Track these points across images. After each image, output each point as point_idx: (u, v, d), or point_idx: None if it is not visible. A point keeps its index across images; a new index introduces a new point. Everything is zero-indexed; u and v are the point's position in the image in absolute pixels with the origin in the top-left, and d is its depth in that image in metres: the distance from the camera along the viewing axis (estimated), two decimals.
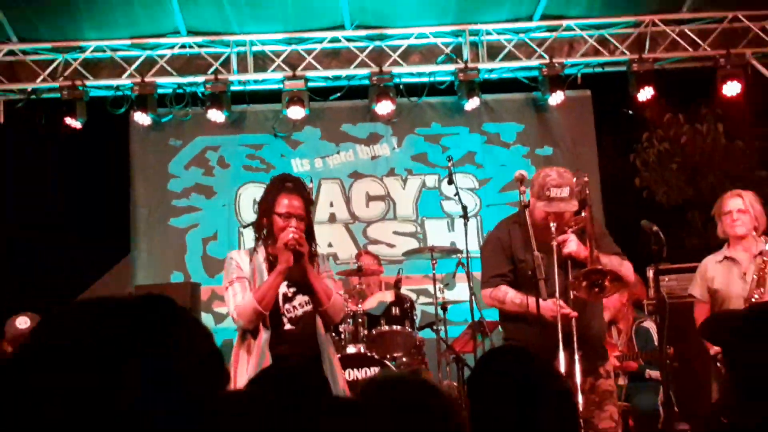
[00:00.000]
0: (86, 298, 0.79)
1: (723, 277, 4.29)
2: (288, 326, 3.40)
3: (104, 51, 6.79)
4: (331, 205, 7.27)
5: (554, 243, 3.67)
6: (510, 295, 3.78)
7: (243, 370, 3.23)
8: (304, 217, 3.35)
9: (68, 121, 6.52)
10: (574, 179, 3.81)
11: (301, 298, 3.43)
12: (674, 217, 8.58)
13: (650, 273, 5.42)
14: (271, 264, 3.38)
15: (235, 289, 3.30)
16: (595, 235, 3.78)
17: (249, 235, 6.43)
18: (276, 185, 3.45)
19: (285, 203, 3.32)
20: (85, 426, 0.68)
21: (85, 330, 0.73)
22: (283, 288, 3.37)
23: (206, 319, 6.57)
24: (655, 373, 5.58)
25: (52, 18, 6.55)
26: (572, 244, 3.70)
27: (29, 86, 6.80)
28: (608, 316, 5.07)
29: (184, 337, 0.79)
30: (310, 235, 3.41)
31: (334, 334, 4.75)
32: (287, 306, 3.42)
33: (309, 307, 3.46)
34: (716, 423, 3.77)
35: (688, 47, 6.90)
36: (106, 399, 0.69)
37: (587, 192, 3.94)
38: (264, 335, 3.28)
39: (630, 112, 8.66)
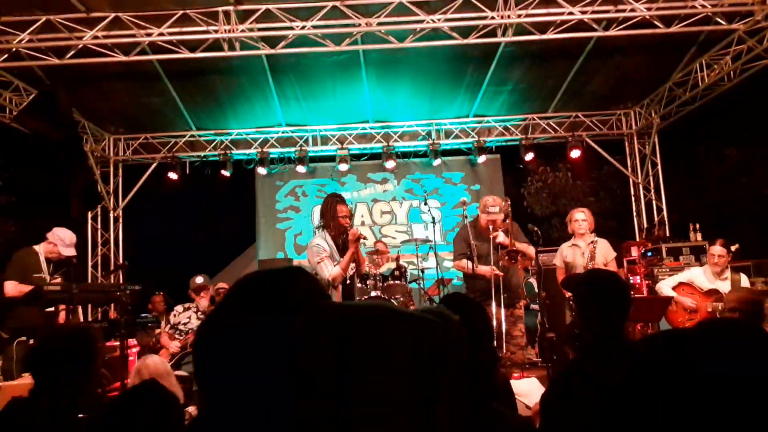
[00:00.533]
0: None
1: (571, 255, 5.75)
2: (347, 281, 4.47)
3: (241, 135, 10.33)
4: (362, 216, 10.64)
5: (492, 236, 4.97)
6: (464, 263, 5.15)
7: None
8: (351, 218, 4.52)
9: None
10: (503, 203, 5.27)
11: (351, 266, 4.50)
12: (544, 223, 12.71)
13: (534, 251, 5.58)
14: (336, 244, 4.41)
15: (326, 263, 4.25)
16: (513, 232, 5.21)
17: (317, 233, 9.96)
18: (334, 198, 4.52)
19: (343, 209, 4.44)
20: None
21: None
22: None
23: None
24: (535, 307, 7.49)
25: (213, 116, 9.66)
26: (501, 236, 5.05)
27: (202, 154, 10.39)
28: None
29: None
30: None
31: (362, 284, 7.12)
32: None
33: (353, 272, 4.56)
34: (569, 334, 5.02)
35: (551, 131, 10.38)
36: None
37: (509, 209, 5.23)
38: (340, 288, 4.38)
39: (521, 166, 12.15)
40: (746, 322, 1.95)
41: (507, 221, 5.17)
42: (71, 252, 5.35)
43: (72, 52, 6.96)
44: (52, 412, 2.10)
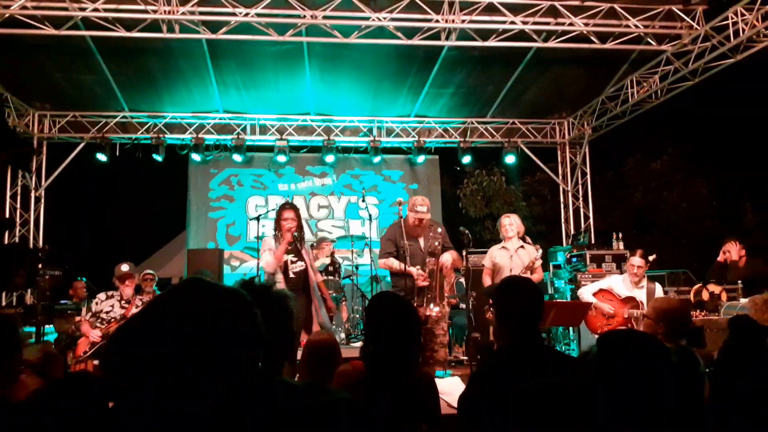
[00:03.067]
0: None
1: (500, 257, 5.91)
2: (291, 275, 5.22)
3: (176, 118, 10.03)
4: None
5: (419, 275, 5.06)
6: (392, 262, 5.26)
7: None
8: (297, 220, 5.27)
9: (154, 156, 9.77)
10: (429, 204, 5.35)
11: (299, 264, 5.29)
12: (477, 224, 13.05)
13: (464, 253, 6.31)
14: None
15: (267, 254, 5.16)
16: (441, 238, 5.26)
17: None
18: (282, 206, 5.44)
19: (286, 215, 5.29)
20: None
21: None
22: (290, 257, 5.25)
23: (225, 269, 9.31)
24: (464, 306, 7.19)
25: (147, 97, 9.38)
26: (446, 258, 5.19)
27: (133, 136, 10.03)
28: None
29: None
30: (300, 230, 5.33)
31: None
32: (291, 266, 5.24)
33: (301, 269, 5.28)
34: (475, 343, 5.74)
35: (488, 136, 10.62)
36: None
37: (445, 237, 5.29)
38: (281, 277, 5.17)
39: (458, 167, 12.47)
40: (645, 334, 2.08)
41: (440, 230, 5.33)
42: None
43: None
44: None
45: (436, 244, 5.19)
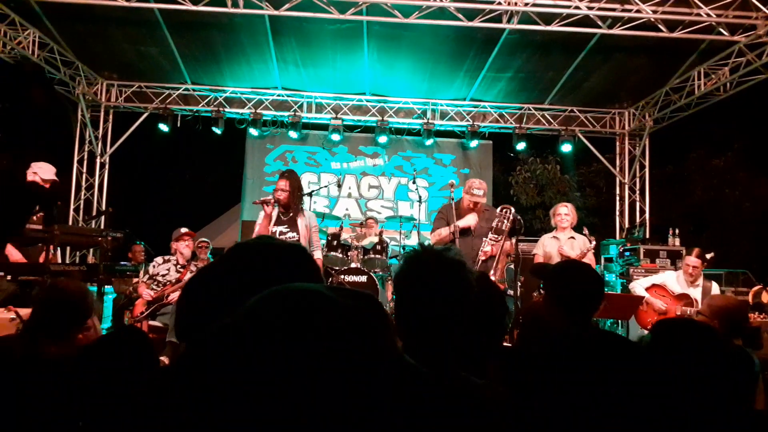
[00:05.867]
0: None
1: (551, 246, 5.92)
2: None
3: (236, 93, 10.26)
4: (350, 188, 10.65)
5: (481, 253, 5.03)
6: (442, 230, 5.22)
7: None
8: (287, 190, 5.01)
9: (213, 129, 10.00)
10: (507, 211, 5.20)
11: (290, 235, 5.06)
12: (528, 213, 12.85)
13: (514, 240, 5.44)
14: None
15: (256, 226, 5.15)
16: (506, 230, 5.08)
17: (305, 200, 9.88)
18: (280, 175, 5.30)
19: (279, 185, 5.13)
20: None
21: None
22: (281, 228, 5.03)
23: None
24: (511, 292, 5.87)
25: (209, 71, 9.62)
26: (488, 248, 5.12)
27: (194, 108, 10.30)
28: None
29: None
30: (294, 200, 5.03)
31: (343, 255, 7.71)
32: (281, 237, 4.89)
33: (293, 240, 4.92)
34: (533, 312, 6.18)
35: (545, 123, 10.49)
36: None
37: (510, 216, 5.12)
38: None
39: (511, 154, 12.38)
40: (703, 324, 2.02)
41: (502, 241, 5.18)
42: (51, 176, 5.21)
43: None
44: (38, 355, 2.17)
45: (503, 221, 5.09)
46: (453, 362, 1.44)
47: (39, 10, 7.62)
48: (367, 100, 10.45)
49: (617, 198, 10.95)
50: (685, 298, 5.59)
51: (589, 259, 5.68)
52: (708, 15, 6.95)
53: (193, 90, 10.27)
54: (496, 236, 5.08)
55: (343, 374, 0.65)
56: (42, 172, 5.16)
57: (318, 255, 5.38)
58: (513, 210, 5.24)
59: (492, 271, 5.06)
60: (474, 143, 10.54)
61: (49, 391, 2.00)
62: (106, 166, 10.51)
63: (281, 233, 5.00)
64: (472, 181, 5.33)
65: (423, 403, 0.95)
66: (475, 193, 5.17)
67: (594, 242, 5.69)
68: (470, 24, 7.13)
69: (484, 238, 5.08)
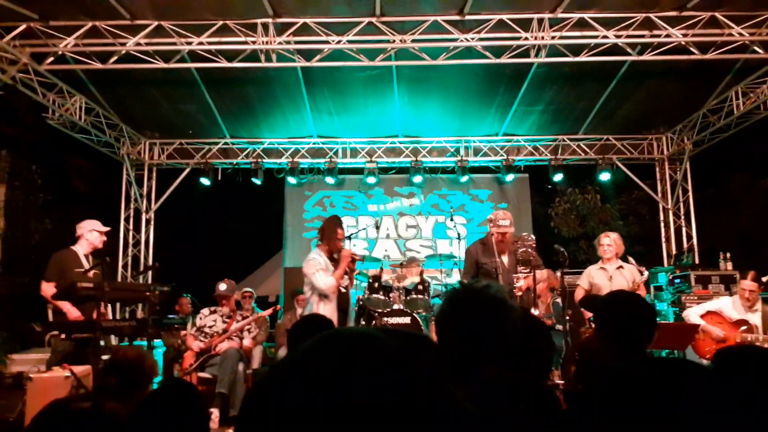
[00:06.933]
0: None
1: (598, 277, 5.87)
2: (342, 290, 5.10)
3: (273, 144, 10.46)
4: (387, 229, 10.66)
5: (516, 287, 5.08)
6: None
7: (323, 310, 4.70)
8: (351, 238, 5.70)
9: (253, 179, 10.24)
10: (511, 218, 5.36)
11: (345, 279, 5.20)
12: (571, 244, 12.59)
13: (558, 273, 6.30)
14: (330, 259, 5.04)
15: (321, 274, 4.84)
16: (533, 260, 5.24)
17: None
18: (335, 221, 5.23)
19: (341, 232, 5.16)
20: None
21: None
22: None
23: None
24: (560, 327, 6.52)
25: (246, 124, 9.86)
26: (521, 283, 5.16)
27: (234, 161, 10.53)
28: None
29: None
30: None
31: (386, 296, 7.65)
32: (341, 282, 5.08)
33: (347, 283, 5.28)
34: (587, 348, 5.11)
35: (581, 153, 10.37)
36: None
37: (533, 245, 5.26)
38: (333, 297, 4.91)
39: (549, 186, 12.25)
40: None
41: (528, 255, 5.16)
42: (103, 230, 5.48)
43: (115, 58, 7.18)
44: (100, 410, 2.25)
45: (526, 249, 5.05)
46: (499, 399, 1.41)
47: (84, 77, 8.02)
48: (400, 142, 10.53)
49: (662, 224, 10.71)
50: (743, 324, 5.37)
51: (641, 290, 5.54)
52: (740, 34, 6.86)
53: (232, 143, 10.55)
54: (523, 268, 5.04)
55: (387, 413, 0.63)
56: (94, 227, 5.38)
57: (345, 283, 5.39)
58: (531, 236, 5.25)
59: (533, 306, 4.98)
60: (510, 177, 10.45)
61: None
62: (152, 222, 10.79)
63: (342, 284, 5.09)
64: (497, 213, 5.37)
65: None
66: (501, 224, 5.16)
67: (647, 273, 5.55)
68: (498, 61, 7.20)
69: (514, 275, 5.04)
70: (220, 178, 10.57)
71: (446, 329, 1.52)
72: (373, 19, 6.89)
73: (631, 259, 5.72)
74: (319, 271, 4.82)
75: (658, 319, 7.45)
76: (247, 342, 6.16)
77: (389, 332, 0.74)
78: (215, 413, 5.17)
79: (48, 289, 5.04)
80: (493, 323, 1.47)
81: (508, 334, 1.47)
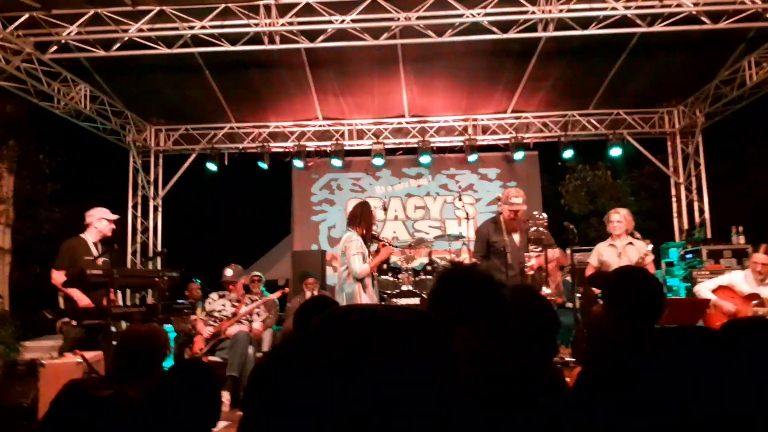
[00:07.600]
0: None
1: (608, 254, 5.69)
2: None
3: (279, 127, 10.47)
4: (395, 211, 10.68)
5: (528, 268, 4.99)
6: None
7: (364, 298, 4.70)
8: None
9: (259, 164, 10.22)
10: (524, 196, 5.22)
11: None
12: (582, 222, 12.47)
13: (568, 251, 5.96)
14: (365, 241, 4.94)
15: (359, 258, 4.72)
16: (545, 239, 5.07)
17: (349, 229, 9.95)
18: (369, 206, 5.11)
19: (376, 218, 5.12)
20: None
21: None
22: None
23: (327, 270, 9.59)
24: (570, 305, 6.53)
25: (252, 109, 9.87)
26: (533, 262, 5.06)
27: (240, 146, 10.53)
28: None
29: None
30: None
31: (394, 278, 7.79)
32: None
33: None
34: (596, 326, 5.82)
35: (591, 128, 10.23)
36: None
37: (545, 223, 5.05)
38: (369, 283, 4.84)
39: (559, 163, 12.01)
40: None
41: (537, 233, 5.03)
42: (112, 218, 5.46)
43: (118, 45, 7.14)
44: (118, 398, 2.27)
45: (538, 228, 4.93)
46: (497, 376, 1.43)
47: (88, 65, 7.99)
48: (407, 122, 10.45)
49: (673, 199, 10.57)
50: (755, 298, 5.30)
51: (649, 264, 5.45)
52: (753, 2, 6.69)
53: (238, 128, 10.51)
54: (535, 247, 4.96)
55: (397, 385, 0.64)
56: (103, 214, 5.39)
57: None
58: (543, 214, 5.09)
59: (544, 285, 4.94)
60: (519, 155, 10.34)
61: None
62: (160, 209, 10.82)
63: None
64: (509, 191, 5.24)
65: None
66: (513, 202, 5.05)
67: (650, 246, 5.45)
68: (505, 36, 7.08)
69: (526, 254, 4.96)
70: (226, 163, 10.57)
71: (436, 307, 1.54)
72: None
73: (636, 233, 5.63)
74: (359, 253, 4.73)
75: (669, 295, 7.36)
76: (256, 325, 6.17)
77: (396, 310, 0.76)
78: (226, 396, 5.20)
79: (58, 277, 5.06)
80: (482, 301, 1.48)
81: (499, 312, 1.47)
